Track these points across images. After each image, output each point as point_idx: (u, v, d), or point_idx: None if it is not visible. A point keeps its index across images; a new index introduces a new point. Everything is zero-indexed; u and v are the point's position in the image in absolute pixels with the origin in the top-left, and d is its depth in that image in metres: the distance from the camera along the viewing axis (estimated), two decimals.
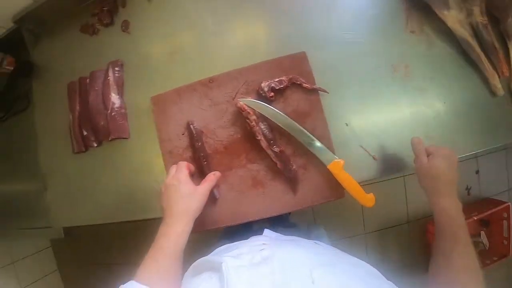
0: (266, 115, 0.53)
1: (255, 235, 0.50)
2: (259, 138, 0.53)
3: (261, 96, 0.54)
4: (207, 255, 0.44)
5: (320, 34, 0.58)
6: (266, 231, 0.51)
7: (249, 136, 0.54)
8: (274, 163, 0.53)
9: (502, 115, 0.58)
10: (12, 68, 0.68)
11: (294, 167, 0.53)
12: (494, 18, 0.59)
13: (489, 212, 1.26)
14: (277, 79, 0.54)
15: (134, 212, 0.62)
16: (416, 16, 0.59)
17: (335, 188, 0.53)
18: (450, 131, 0.57)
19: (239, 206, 0.54)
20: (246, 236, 0.50)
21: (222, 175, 0.54)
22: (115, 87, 0.62)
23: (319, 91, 0.55)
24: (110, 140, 0.62)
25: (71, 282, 1.57)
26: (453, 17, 0.58)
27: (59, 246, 1.57)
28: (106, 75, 0.63)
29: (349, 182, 0.52)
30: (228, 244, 0.47)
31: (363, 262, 0.37)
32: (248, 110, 0.53)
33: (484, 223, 1.33)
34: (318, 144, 0.53)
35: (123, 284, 0.40)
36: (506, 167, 1.40)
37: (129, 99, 0.63)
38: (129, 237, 1.34)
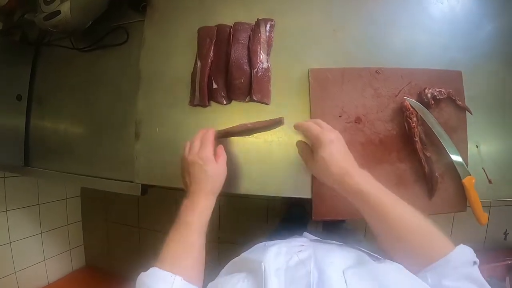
0: (425, 120, 0.55)
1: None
2: (416, 139, 0.54)
3: (423, 100, 0.55)
4: (245, 252, 0.45)
5: (473, 57, 0.61)
6: (306, 234, 0.53)
7: (404, 136, 0.55)
8: (421, 167, 0.55)
9: None
10: None
11: (436, 173, 0.55)
12: None
13: None
14: (438, 89, 0.56)
15: (252, 185, 0.57)
16: None
17: (461, 201, 0.57)
18: None
19: None
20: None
21: (372, 168, 0.53)
22: (265, 45, 0.57)
23: (466, 111, 0.58)
24: (247, 101, 0.56)
25: (90, 235, 1.54)
26: None
27: (87, 197, 1.52)
28: (257, 31, 0.57)
29: (475, 198, 0.56)
30: (265, 242, 0.47)
31: (395, 263, 0.35)
32: (412, 111, 0.54)
33: (510, 269, 1.37)
34: (460, 158, 0.56)
35: (145, 271, 0.39)
36: None
37: (274, 63, 0.58)
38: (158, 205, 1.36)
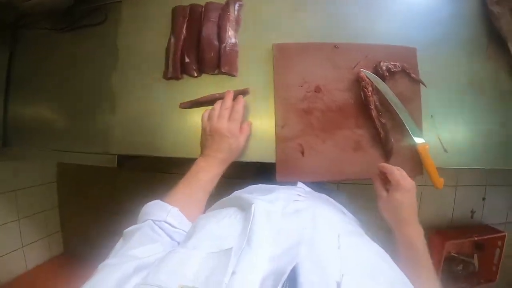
0: (380, 90, 0.59)
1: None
2: (371, 107, 0.58)
3: (378, 72, 0.60)
4: (238, 191, 0.47)
5: (428, 36, 0.67)
6: (300, 184, 0.54)
7: (361, 104, 0.59)
8: (378, 133, 0.59)
9: None
10: None
11: (392, 140, 0.60)
12: None
13: (486, 237, 1.37)
14: (393, 63, 0.61)
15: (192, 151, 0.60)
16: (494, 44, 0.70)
17: (417, 166, 0.61)
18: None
19: (340, 164, 0.58)
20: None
21: (332, 133, 0.58)
22: (234, 23, 0.61)
23: (420, 83, 0.63)
24: (216, 74, 0.60)
25: (68, 221, 1.52)
26: None
27: (64, 182, 1.50)
28: (226, 10, 0.62)
29: (429, 163, 0.60)
30: (262, 185, 0.50)
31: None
32: (367, 81, 0.58)
33: (479, 247, 1.45)
34: (414, 126, 0.60)
35: (151, 202, 0.43)
36: (510, 202, 1.56)
37: (242, 40, 0.63)
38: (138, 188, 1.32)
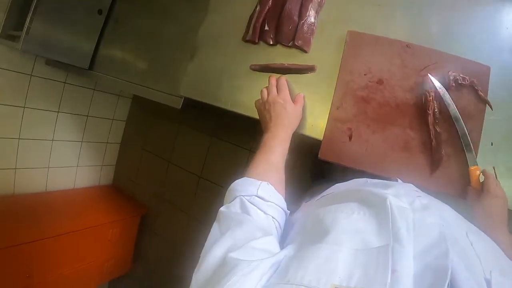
0: (443, 99, 0.60)
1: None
2: (429, 112, 0.59)
3: (444, 80, 0.61)
4: (347, 183, 0.46)
5: (506, 60, 0.65)
6: (400, 180, 0.54)
7: (420, 108, 0.60)
8: (430, 140, 0.59)
9: None
10: None
11: (443, 151, 0.60)
12: None
13: None
14: (462, 75, 0.61)
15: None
16: None
17: (463, 187, 0.60)
18: None
19: (384, 159, 0.60)
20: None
21: (383, 126, 0.60)
22: (316, 4, 0.66)
23: (487, 104, 0.62)
24: (289, 46, 0.65)
25: (125, 159, 1.67)
26: None
27: (132, 123, 1.65)
28: None
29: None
30: (369, 179, 0.48)
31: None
32: (432, 86, 0.59)
33: None
34: (470, 145, 0.59)
35: (238, 179, 0.44)
36: None
37: (322, 22, 0.67)
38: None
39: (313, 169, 1.15)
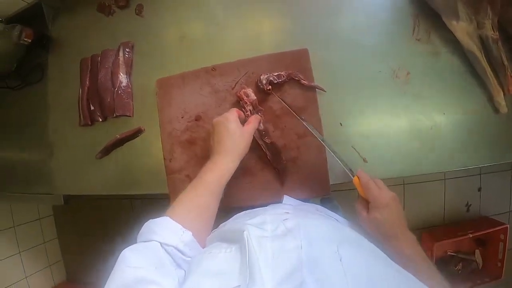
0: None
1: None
2: None
3: (259, 88, 0.56)
4: (225, 222, 0.43)
5: (325, 33, 0.59)
6: (286, 198, 0.50)
7: None
8: (264, 154, 0.55)
9: (505, 132, 0.57)
10: (30, 40, 0.72)
11: (284, 159, 0.55)
12: (506, 33, 0.58)
13: (486, 231, 1.24)
14: (276, 73, 0.55)
15: (129, 187, 0.65)
16: (424, 24, 0.59)
17: (323, 184, 0.55)
18: (448, 142, 0.57)
19: (233, 191, 0.56)
20: None
21: None
22: (124, 66, 0.65)
23: (316, 89, 0.56)
24: (115, 117, 0.65)
25: (68, 251, 1.65)
26: (462, 29, 0.57)
27: (60, 215, 1.63)
28: (117, 55, 0.65)
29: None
30: (247, 211, 0.46)
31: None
32: (246, 100, 0.55)
33: (480, 242, 1.32)
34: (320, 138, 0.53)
35: (156, 218, 0.39)
36: (510, 188, 1.36)
37: (136, 80, 0.66)
38: (127, 213, 1.42)
39: None
